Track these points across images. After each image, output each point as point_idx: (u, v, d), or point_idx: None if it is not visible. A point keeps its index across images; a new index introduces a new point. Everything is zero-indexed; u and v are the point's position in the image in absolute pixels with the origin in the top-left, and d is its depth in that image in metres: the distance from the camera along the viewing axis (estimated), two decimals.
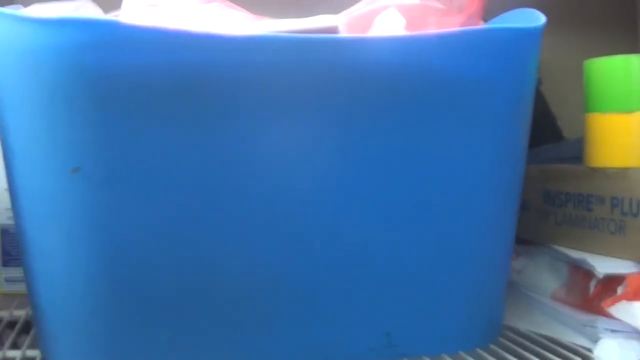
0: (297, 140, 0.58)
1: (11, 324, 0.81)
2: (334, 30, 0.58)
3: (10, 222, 0.82)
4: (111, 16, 0.65)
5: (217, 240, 0.59)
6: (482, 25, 0.65)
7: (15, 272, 0.83)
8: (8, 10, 0.58)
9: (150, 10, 0.62)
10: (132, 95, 0.56)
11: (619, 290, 0.67)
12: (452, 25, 0.64)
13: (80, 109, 0.56)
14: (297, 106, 0.57)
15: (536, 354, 0.66)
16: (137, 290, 0.59)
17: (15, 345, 0.75)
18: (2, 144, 0.64)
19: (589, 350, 0.66)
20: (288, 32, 0.57)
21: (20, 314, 0.81)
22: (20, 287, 0.83)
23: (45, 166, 0.58)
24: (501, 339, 0.70)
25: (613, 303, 0.66)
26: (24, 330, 0.80)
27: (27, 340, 0.73)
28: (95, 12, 0.66)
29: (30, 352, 0.70)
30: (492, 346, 0.68)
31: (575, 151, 0.80)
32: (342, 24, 0.59)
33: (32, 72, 0.56)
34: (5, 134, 0.61)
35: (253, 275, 0.60)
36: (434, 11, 0.63)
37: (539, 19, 0.61)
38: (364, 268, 0.62)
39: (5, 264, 0.82)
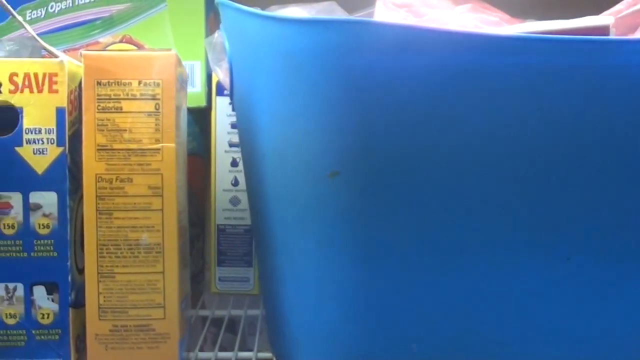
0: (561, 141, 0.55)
1: (226, 323, 0.82)
2: (605, 30, 0.55)
3: (227, 222, 0.82)
4: (363, 16, 0.64)
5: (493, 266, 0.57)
6: None
7: (229, 272, 0.83)
8: (269, 12, 0.58)
9: (402, 11, 0.60)
10: (393, 98, 0.54)
11: None
12: None
13: (340, 111, 0.55)
14: (564, 111, 0.55)
15: None
16: (392, 299, 0.58)
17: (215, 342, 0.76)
18: (247, 145, 0.64)
19: None
20: (556, 32, 0.55)
21: (239, 313, 0.82)
22: (232, 287, 0.83)
23: (300, 168, 0.57)
24: None
25: None
26: (228, 329, 0.81)
27: (255, 341, 0.74)
28: (340, 14, 0.66)
29: (262, 355, 0.70)
30: None
31: None
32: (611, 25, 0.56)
33: (292, 73, 0.56)
34: (255, 134, 0.61)
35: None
36: None
37: None
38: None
39: (220, 263, 0.83)
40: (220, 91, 0.81)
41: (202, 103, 0.82)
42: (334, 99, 0.55)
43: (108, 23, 0.82)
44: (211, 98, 0.82)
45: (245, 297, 0.85)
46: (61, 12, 0.83)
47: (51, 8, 0.82)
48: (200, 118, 0.85)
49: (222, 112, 0.81)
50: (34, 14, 0.83)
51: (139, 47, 0.81)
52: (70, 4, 0.82)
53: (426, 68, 0.53)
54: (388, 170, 0.55)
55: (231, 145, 0.81)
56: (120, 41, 0.82)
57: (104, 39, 0.82)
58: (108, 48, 0.81)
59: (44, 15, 0.83)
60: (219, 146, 0.81)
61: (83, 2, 0.82)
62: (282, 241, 0.60)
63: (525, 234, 0.57)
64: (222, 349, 0.73)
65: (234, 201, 0.82)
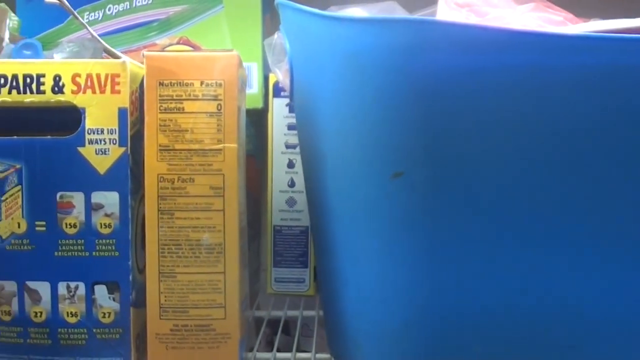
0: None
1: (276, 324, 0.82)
2: None
3: (283, 223, 0.82)
4: (424, 16, 0.64)
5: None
6: None
7: (285, 273, 0.83)
8: (331, 12, 0.57)
9: (464, 11, 0.60)
10: (458, 98, 0.54)
11: None
12: None
13: (404, 112, 0.55)
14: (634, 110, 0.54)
15: None
16: (455, 301, 0.57)
17: (270, 344, 0.76)
18: (307, 146, 0.64)
19: None
20: (622, 31, 0.54)
21: (295, 314, 0.82)
22: (288, 288, 0.83)
23: (363, 169, 0.57)
24: None
25: None
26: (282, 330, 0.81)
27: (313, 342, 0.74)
28: (401, 13, 0.65)
29: (320, 355, 0.70)
30: None
31: None
32: None
33: (355, 73, 0.56)
34: (316, 135, 0.61)
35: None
36: None
37: None
38: None
39: (276, 264, 0.83)
40: (277, 93, 0.81)
41: (259, 104, 0.82)
42: (397, 99, 0.54)
43: (165, 25, 0.83)
44: (268, 100, 0.82)
45: (300, 298, 0.85)
46: (119, 14, 0.83)
47: (109, 10, 0.83)
48: (256, 119, 0.86)
49: (279, 114, 0.81)
50: (91, 16, 0.83)
51: (196, 48, 0.81)
52: (128, 6, 0.83)
53: (491, 67, 0.52)
54: (452, 169, 0.55)
55: (288, 146, 0.81)
56: (177, 43, 0.82)
57: (161, 40, 0.83)
58: (166, 49, 0.82)
59: (102, 18, 0.83)
60: (275, 148, 0.82)
61: (140, 4, 0.83)
62: (343, 241, 0.60)
63: (592, 234, 0.56)
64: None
65: (290, 202, 0.82)
